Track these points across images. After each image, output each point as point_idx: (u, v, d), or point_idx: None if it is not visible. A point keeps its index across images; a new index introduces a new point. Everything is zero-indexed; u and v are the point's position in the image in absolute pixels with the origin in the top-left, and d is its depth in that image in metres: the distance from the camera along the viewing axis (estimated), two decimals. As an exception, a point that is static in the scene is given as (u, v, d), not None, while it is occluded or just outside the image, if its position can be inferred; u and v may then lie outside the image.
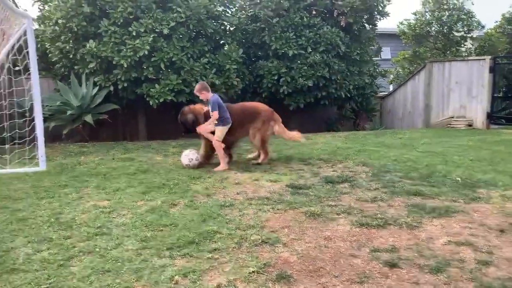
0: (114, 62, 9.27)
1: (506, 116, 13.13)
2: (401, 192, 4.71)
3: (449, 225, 3.71)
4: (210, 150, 6.45)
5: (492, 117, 11.62)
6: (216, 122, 6.21)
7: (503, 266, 2.89)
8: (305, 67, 11.12)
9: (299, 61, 11.19)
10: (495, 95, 11.96)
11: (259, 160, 6.59)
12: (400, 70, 16.97)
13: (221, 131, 6.25)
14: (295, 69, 11.16)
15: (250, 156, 6.96)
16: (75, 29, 9.46)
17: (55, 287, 2.71)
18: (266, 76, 11.27)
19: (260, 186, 5.15)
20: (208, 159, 6.54)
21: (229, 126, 6.29)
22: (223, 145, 6.29)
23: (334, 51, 11.48)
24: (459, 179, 5.27)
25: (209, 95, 6.27)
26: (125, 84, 9.60)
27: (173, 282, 2.72)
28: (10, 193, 4.99)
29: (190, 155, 6.31)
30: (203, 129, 6.30)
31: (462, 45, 15.81)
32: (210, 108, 6.17)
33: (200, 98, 6.48)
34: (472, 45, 16.33)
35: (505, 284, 2.63)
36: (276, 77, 11.22)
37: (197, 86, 6.45)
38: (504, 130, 10.99)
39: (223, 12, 10.69)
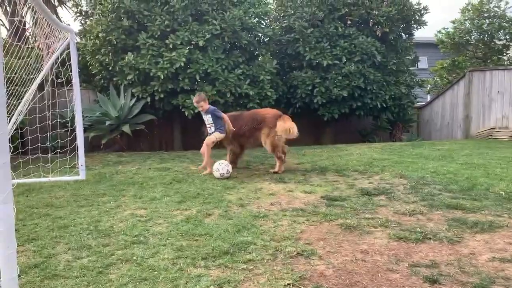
0: (151, 74, 9.51)
1: (553, 127, 12.54)
2: (441, 206, 4.56)
3: (493, 240, 3.55)
4: (234, 155, 7.15)
5: (537, 128, 11.15)
6: (213, 129, 6.56)
7: (553, 286, 2.73)
8: (340, 77, 11.05)
9: (333, 71, 11.13)
10: (540, 105, 11.48)
11: (275, 169, 6.71)
12: (438, 79, 16.56)
13: (216, 137, 6.56)
14: (330, 79, 11.11)
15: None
16: (115, 42, 9.78)
17: (94, 294, 2.77)
18: (300, 87, 11.26)
19: (295, 197, 5.11)
20: (235, 164, 6.99)
21: (223, 136, 6.63)
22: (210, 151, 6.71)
23: (369, 61, 11.36)
24: (502, 192, 5.05)
25: (207, 106, 6.62)
26: (162, 95, 9.82)
27: (208, 293, 2.72)
28: (52, 200, 5.17)
29: (220, 170, 6.29)
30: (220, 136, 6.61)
31: (504, 54, 15.30)
32: (211, 116, 6.54)
33: (200, 109, 6.65)
34: (515, 53, 15.76)
35: (556, 305, 2.48)
36: (310, 88, 11.19)
37: (198, 98, 6.63)
38: (551, 141, 10.49)
39: (257, 24, 10.80)
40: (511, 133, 11.24)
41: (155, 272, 3.01)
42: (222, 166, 6.33)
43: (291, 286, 2.79)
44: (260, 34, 10.94)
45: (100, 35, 10.00)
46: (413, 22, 12.50)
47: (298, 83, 11.30)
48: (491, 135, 11.61)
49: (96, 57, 10.34)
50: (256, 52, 11.02)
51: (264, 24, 11.42)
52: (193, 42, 9.62)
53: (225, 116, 6.58)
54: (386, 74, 11.95)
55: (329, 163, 7.46)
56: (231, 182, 6.02)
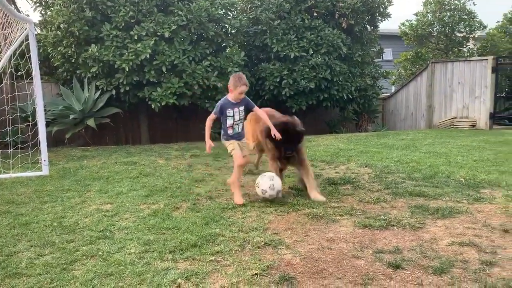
0: (116, 66, 9.30)
1: (509, 116, 13.09)
2: (404, 193, 4.69)
3: (453, 225, 3.69)
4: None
5: (495, 118, 11.59)
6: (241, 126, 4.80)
7: (507, 266, 2.87)
8: (307, 69, 11.13)
9: (301, 63, 11.21)
10: (498, 95, 11.93)
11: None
12: (402, 71, 16.97)
13: (227, 144, 4.78)
14: (297, 71, 11.17)
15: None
16: (77, 34, 9.50)
17: (58, 291, 2.71)
18: (268, 79, 11.29)
19: (263, 189, 5.14)
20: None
21: (235, 141, 4.71)
22: (243, 162, 4.69)
23: (335, 53, 11.49)
24: (462, 179, 5.25)
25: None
26: (127, 88, 9.63)
27: (175, 285, 2.71)
28: (13, 197, 5.00)
29: (262, 185, 4.48)
30: None
31: (464, 46, 15.81)
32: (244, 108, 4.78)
33: (240, 96, 4.67)
34: (474, 45, 16.33)
35: (510, 285, 2.61)
36: (278, 79, 11.23)
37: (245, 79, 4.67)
38: (507, 130, 10.95)
39: (224, 15, 10.72)
40: (472, 123, 11.65)
41: (121, 267, 2.98)
42: (265, 180, 4.49)
43: (258, 275, 2.82)
44: (227, 26, 10.86)
45: (61, 26, 9.68)
46: (377, 14, 12.71)
47: (266, 75, 11.32)
48: (453, 125, 12.00)
49: (58, 49, 10.01)
50: (224, 44, 10.94)
51: (231, 15, 11.33)
52: (158, 33, 9.45)
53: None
54: (352, 66, 12.13)
55: (297, 154, 7.52)
56: (199, 175, 6.00)
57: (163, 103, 9.52)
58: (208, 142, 4.67)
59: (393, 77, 17.18)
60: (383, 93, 14.74)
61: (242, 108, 4.71)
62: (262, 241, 3.40)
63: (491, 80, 11.17)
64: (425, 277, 2.75)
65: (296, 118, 4.89)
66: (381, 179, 5.38)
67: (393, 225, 3.71)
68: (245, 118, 4.95)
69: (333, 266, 2.96)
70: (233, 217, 4.04)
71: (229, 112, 4.64)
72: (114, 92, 9.82)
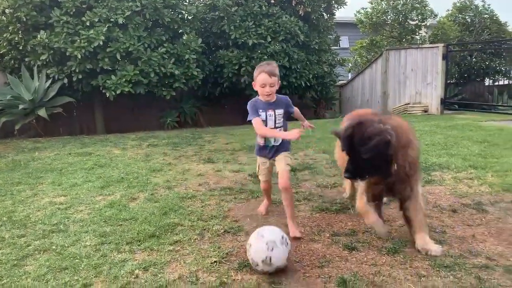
0: (67, 54, 8.95)
1: (459, 102, 13.66)
2: (360, 178, 4.81)
3: (406, 207, 3.82)
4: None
5: (446, 103, 12.05)
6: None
7: (455, 245, 3.02)
8: (265, 57, 11.12)
9: (259, 51, 11.18)
10: (448, 81, 12.40)
11: None
12: (358, 58, 17.30)
13: (257, 163, 3.70)
14: (256, 58, 11.14)
15: None
16: (24, 19, 9.03)
17: (9, 288, 2.61)
18: (226, 66, 11.21)
19: (223, 177, 5.14)
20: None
21: (266, 163, 3.59)
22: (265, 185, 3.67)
23: (293, 41, 11.54)
24: (414, 163, 5.44)
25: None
26: (80, 76, 9.29)
27: (133, 276, 2.67)
28: (-42, 192, 4.74)
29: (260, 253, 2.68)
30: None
31: (417, 33, 16.29)
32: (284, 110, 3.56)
33: (266, 93, 3.46)
34: (426, 33, 16.85)
35: (457, 262, 2.74)
36: (236, 67, 11.17)
37: (272, 67, 3.47)
38: (457, 115, 11.43)
39: (180, 1, 10.51)
40: (424, 108, 12.07)
41: (77, 260, 2.90)
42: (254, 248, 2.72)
43: (218, 263, 2.83)
44: (183, 12, 10.64)
45: (6, 11, 9.16)
46: (334, 1, 12.86)
47: (224, 62, 11.22)
48: (406, 110, 12.39)
49: (4, 36, 9.48)
50: (180, 31, 10.73)
51: (187, 1, 11.14)
52: (112, 20, 9.13)
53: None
54: (309, 54, 12.23)
55: (256, 141, 7.55)
56: (157, 164, 5.90)
57: (118, 92, 9.26)
58: (284, 133, 3.44)
59: (350, 64, 17.50)
60: (340, 80, 14.98)
61: (280, 111, 3.45)
62: (222, 229, 3.40)
63: (441, 67, 11.57)
64: (379, 258, 2.85)
65: (388, 123, 2.83)
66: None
67: (349, 209, 3.81)
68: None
69: (291, 250, 3.00)
70: (192, 206, 4.01)
71: (261, 113, 3.44)
72: (66, 80, 9.45)
